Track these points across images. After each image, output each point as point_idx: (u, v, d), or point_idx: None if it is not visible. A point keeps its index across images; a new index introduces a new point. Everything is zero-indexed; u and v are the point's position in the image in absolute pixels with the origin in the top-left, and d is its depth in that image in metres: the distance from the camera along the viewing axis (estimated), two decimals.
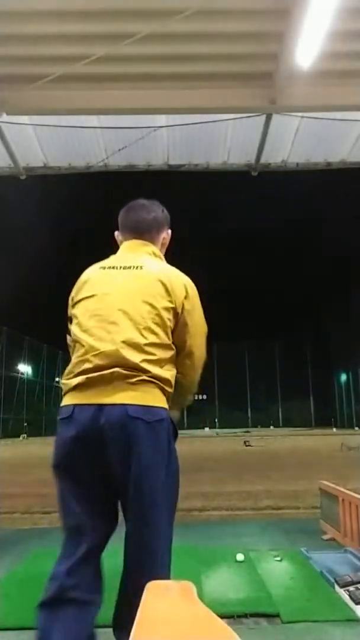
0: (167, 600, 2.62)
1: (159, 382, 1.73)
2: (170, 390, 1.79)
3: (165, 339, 1.78)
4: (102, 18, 3.27)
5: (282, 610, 2.44)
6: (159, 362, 1.75)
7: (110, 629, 2.29)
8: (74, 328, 1.83)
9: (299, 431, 33.83)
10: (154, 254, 2.01)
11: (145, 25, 3.22)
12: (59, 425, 1.74)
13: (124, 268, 1.89)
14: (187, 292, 1.86)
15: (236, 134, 4.61)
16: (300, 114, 4.36)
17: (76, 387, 1.72)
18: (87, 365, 1.71)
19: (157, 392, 1.73)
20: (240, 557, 3.23)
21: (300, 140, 4.69)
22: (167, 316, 1.79)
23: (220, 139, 4.68)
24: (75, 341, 1.80)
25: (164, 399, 1.76)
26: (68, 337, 1.90)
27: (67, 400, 1.74)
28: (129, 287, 1.81)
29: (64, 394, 1.78)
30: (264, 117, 4.30)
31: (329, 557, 3.23)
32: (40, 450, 19.02)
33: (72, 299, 1.92)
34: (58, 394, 43.01)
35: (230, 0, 3.19)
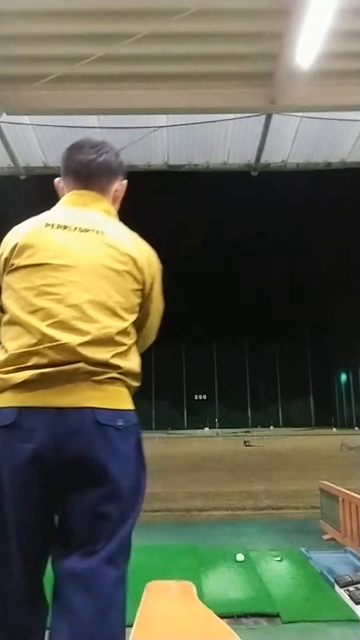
0: (167, 600, 2.61)
1: (128, 378, 1.40)
2: (136, 385, 1.45)
3: (131, 325, 1.45)
4: (102, 18, 3.27)
5: (282, 610, 2.44)
6: (126, 354, 1.41)
7: None
8: (10, 304, 1.38)
9: (299, 431, 33.81)
10: (109, 213, 1.58)
11: (145, 25, 3.22)
12: None
13: (80, 230, 1.45)
14: (155, 270, 1.54)
15: (236, 134, 4.60)
16: (300, 114, 4.36)
17: (23, 384, 1.28)
18: (39, 360, 1.29)
19: (126, 392, 1.41)
20: (240, 557, 3.23)
21: (300, 140, 4.69)
22: (135, 299, 1.45)
23: (220, 139, 4.68)
24: (15, 323, 1.36)
25: (131, 399, 1.43)
26: None
27: (7, 401, 1.29)
28: (93, 260, 1.40)
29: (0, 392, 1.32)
30: (264, 117, 4.30)
31: (329, 557, 3.23)
32: None
33: (7, 262, 1.43)
34: None
35: (230, 0, 3.19)
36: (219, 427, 42.16)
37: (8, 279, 1.41)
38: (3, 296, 1.42)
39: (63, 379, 1.29)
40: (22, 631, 1.34)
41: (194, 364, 49.52)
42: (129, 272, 1.43)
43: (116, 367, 1.35)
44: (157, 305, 1.58)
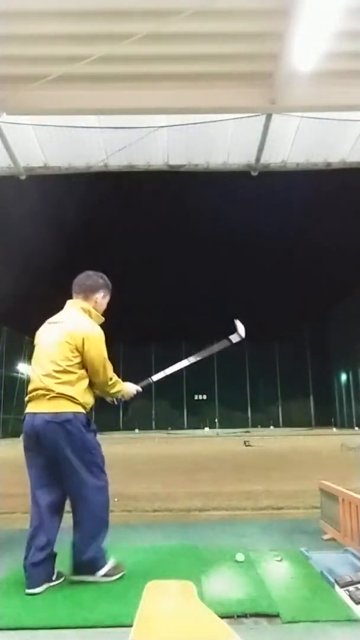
0: (167, 600, 2.61)
1: (65, 395, 2.83)
2: (79, 398, 2.87)
3: (70, 368, 2.87)
4: (102, 18, 3.27)
5: (282, 610, 2.44)
6: (66, 384, 2.85)
7: (110, 629, 2.30)
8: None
9: (299, 431, 33.81)
10: (82, 308, 3.07)
11: (145, 25, 3.22)
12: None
13: (55, 323, 3.03)
14: (84, 339, 2.89)
15: (236, 134, 4.61)
16: (300, 114, 4.36)
17: (28, 402, 2.95)
18: (30, 389, 2.95)
19: (65, 402, 2.83)
20: (240, 557, 3.23)
21: (300, 140, 4.69)
22: (72, 354, 2.88)
23: (220, 139, 4.68)
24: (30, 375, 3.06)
25: (72, 405, 2.84)
26: None
27: (26, 409, 2.94)
28: (52, 338, 2.95)
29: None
30: (264, 117, 4.30)
31: (329, 557, 3.23)
32: None
33: (33, 344, 3.12)
34: None
35: (230, 0, 3.19)
36: (219, 427, 42.16)
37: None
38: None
39: (35, 399, 2.90)
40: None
41: (194, 364, 49.44)
42: (67, 342, 2.90)
43: (53, 391, 2.84)
44: (92, 354, 2.92)
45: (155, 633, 1.94)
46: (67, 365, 2.85)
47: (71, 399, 2.83)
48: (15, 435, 33.55)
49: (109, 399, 3.23)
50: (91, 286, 3.12)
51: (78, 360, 2.88)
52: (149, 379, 3.36)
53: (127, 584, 2.83)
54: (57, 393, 2.82)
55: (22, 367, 38.21)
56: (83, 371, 2.91)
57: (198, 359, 3.42)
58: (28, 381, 2.96)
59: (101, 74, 3.75)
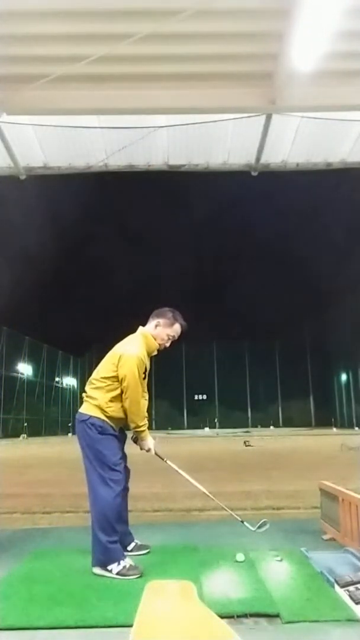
0: (167, 600, 2.61)
1: (92, 400, 3.35)
2: (102, 404, 3.30)
3: (104, 378, 3.34)
4: (102, 18, 3.27)
5: (282, 610, 2.44)
6: (97, 390, 3.36)
7: (110, 629, 2.30)
8: None
9: (299, 431, 33.82)
10: (141, 333, 3.50)
11: (145, 25, 3.22)
12: None
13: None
14: (120, 356, 3.32)
15: (236, 134, 4.60)
16: (300, 114, 4.35)
17: None
18: None
19: (89, 405, 3.35)
20: (240, 557, 3.23)
21: (300, 140, 4.69)
22: (111, 367, 3.34)
23: (220, 139, 4.68)
24: None
25: (94, 409, 3.31)
26: None
27: None
28: (107, 354, 3.48)
29: None
30: (264, 117, 4.29)
31: (329, 557, 3.23)
32: (40, 450, 18.95)
33: None
34: (58, 394, 43.00)
35: (230, 0, 3.19)
36: (219, 427, 42.15)
37: None
38: None
39: None
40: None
41: (194, 364, 49.47)
42: (111, 357, 3.40)
43: (86, 394, 3.42)
44: (124, 370, 3.27)
45: (155, 633, 1.94)
46: (101, 376, 3.35)
47: (94, 403, 3.32)
48: (15, 435, 33.55)
49: (132, 436, 3.47)
50: (157, 312, 3.54)
51: (114, 374, 3.30)
52: (165, 459, 3.63)
53: (127, 584, 2.83)
54: (87, 396, 3.38)
55: (22, 367, 38.20)
56: (116, 384, 3.30)
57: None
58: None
59: (101, 74, 3.75)
